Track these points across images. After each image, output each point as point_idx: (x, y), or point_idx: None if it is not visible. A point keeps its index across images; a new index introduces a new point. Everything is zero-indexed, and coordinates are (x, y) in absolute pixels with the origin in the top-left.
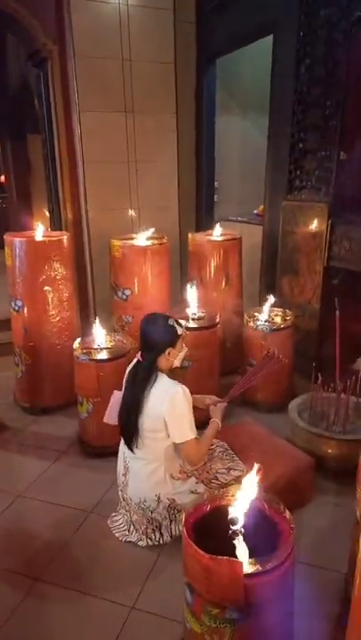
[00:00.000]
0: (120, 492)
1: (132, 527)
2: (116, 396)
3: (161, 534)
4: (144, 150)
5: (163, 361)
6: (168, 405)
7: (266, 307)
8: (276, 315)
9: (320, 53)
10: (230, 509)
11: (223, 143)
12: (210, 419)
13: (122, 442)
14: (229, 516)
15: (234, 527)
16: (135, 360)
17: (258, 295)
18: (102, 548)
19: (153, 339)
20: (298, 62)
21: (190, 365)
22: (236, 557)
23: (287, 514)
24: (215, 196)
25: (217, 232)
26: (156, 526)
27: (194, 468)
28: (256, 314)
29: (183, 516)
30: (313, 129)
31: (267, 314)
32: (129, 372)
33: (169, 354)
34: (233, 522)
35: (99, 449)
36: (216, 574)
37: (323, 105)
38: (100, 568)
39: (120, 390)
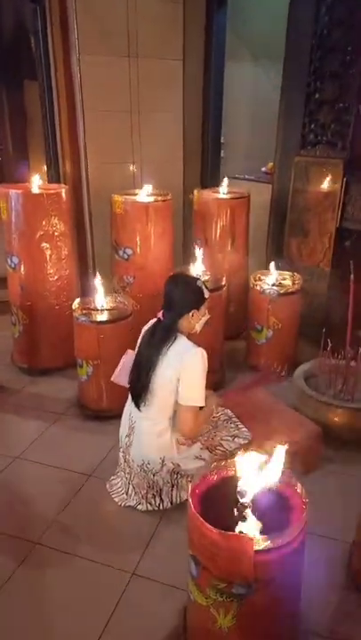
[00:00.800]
0: (122, 454)
1: (130, 490)
2: (129, 356)
3: (161, 500)
4: (148, 99)
5: (185, 322)
6: (185, 364)
7: (272, 269)
8: (284, 278)
9: None
10: (239, 481)
11: (231, 94)
12: None
13: (128, 401)
14: (238, 488)
15: (242, 500)
16: (154, 319)
17: (265, 257)
18: (102, 512)
19: (179, 298)
20: (318, 1)
21: None
22: (245, 532)
23: (299, 487)
24: (222, 152)
25: (224, 189)
26: (157, 491)
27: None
28: (263, 277)
29: (187, 484)
30: (331, 77)
31: (274, 277)
32: (146, 331)
33: (192, 316)
34: (242, 494)
35: (98, 412)
36: (225, 550)
37: (343, 50)
38: (99, 533)
39: (133, 350)
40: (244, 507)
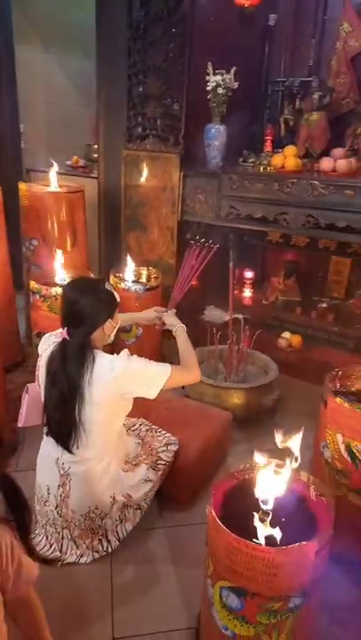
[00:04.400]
0: (50, 509)
1: (66, 544)
2: (33, 391)
3: (108, 541)
4: None
5: (98, 336)
6: (122, 383)
7: (129, 265)
8: (140, 273)
9: None
10: (258, 490)
11: (24, 81)
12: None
13: (47, 444)
14: (260, 498)
15: (265, 508)
16: (58, 338)
17: (97, 254)
18: (35, 583)
19: (89, 309)
20: None
21: None
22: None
23: (304, 476)
24: (22, 143)
25: (54, 182)
26: (102, 534)
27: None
28: (119, 274)
29: (133, 514)
30: (155, 72)
31: (131, 273)
32: (52, 355)
33: (107, 327)
34: (264, 502)
35: None
36: (284, 566)
37: (165, 46)
38: (46, 612)
39: (34, 382)
40: (267, 514)
